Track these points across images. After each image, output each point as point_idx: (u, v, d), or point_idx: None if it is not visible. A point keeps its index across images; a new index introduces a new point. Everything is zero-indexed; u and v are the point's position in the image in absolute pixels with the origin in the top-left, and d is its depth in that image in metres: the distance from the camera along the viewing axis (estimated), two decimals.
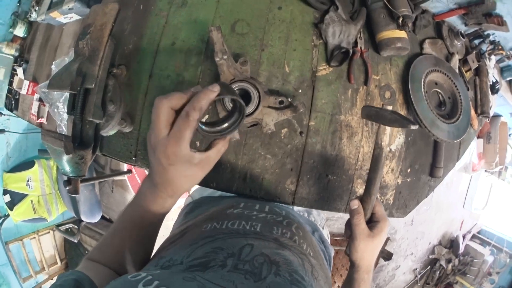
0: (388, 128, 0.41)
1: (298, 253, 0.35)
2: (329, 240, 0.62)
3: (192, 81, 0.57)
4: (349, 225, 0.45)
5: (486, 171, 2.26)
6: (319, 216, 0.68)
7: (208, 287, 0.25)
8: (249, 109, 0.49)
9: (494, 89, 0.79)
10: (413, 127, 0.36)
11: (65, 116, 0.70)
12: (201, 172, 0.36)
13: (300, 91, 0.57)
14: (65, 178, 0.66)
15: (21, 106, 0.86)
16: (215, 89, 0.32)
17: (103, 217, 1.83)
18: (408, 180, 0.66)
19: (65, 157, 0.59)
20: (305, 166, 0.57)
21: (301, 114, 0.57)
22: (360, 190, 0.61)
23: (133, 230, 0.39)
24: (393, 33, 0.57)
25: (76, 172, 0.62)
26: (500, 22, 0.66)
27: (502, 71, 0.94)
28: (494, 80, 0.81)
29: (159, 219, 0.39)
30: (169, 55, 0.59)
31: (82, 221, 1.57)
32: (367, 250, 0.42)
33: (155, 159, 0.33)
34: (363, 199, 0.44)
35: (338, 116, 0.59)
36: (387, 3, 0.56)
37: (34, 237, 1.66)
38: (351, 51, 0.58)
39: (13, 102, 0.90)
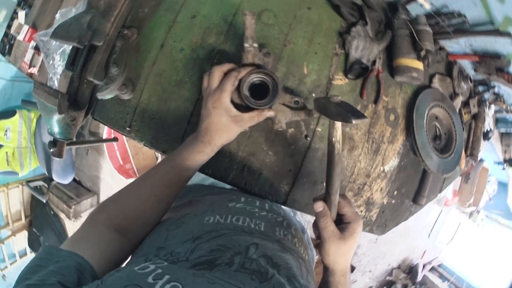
0: (338, 123, 0.37)
1: (297, 257, 0.35)
2: None
3: (206, 59, 0.54)
4: (315, 226, 0.42)
5: (457, 208, 2.39)
6: (302, 218, 0.69)
7: (219, 283, 0.24)
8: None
9: (486, 136, 0.84)
10: (355, 122, 0.33)
11: (60, 70, 0.64)
12: (234, 126, 0.43)
13: (313, 94, 0.57)
14: (51, 138, 0.60)
15: (15, 52, 0.79)
16: (250, 70, 0.45)
17: (73, 179, 1.74)
18: (393, 201, 0.68)
19: (56, 117, 0.54)
20: (304, 169, 0.57)
21: (310, 118, 0.57)
22: None
23: (164, 177, 0.42)
24: (412, 62, 0.59)
25: (65, 134, 0.57)
26: (510, 80, 0.68)
27: (497, 121, 1.00)
28: (489, 128, 0.86)
29: (193, 169, 0.43)
30: (187, 28, 0.56)
31: (53, 180, 1.48)
32: (339, 253, 0.38)
33: (205, 108, 0.43)
34: (325, 200, 0.41)
35: (343, 128, 0.60)
36: (414, 33, 0.58)
37: (3, 190, 1.56)
38: (370, 68, 0.59)
39: (7, 47, 0.82)
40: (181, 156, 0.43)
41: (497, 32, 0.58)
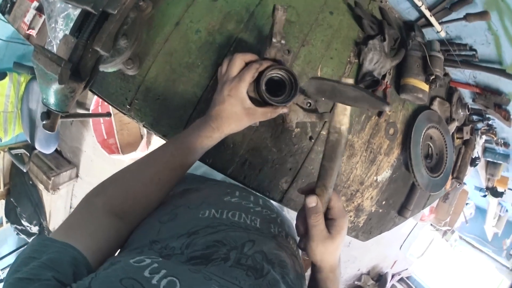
0: (348, 108, 0.33)
1: (291, 254, 0.36)
2: None
3: (223, 46, 0.53)
4: (301, 220, 0.37)
5: (432, 225, 2.47)
6: (288, 214, 0.71)
7: (215, 279, 0.24)
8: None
9: (474, 162, 0.90)
10: (387, 108, 0.29)
11: (61, 34, 0.59)
12: (246, 117, 0.43)
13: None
14: (44, 109, 0.56)
15: (15, 11, 0.72)
16: (271, 65, 0.43)
17: (55, 149, 1.66)
18: (380, 211, 0.72)
19: (55, 86, 0.50)
20: (303, 170, 0.58)
21: (317, 121, 0.57)
22: None
23: (169, 160, 0.40)
24: (420, 83, 0.61)
25: (61, 106, 0.53)
26: (506, 117, 0.72)
27: (485, 150, 1.06)
28: (477, 156, 0.91)
29: (199, 153, 0.43)
30: (206, 9, 0.54)
31: (35, 148, 1.40)
32: (327, 252, 0.35)
33: (219, 94, 0.43)
34: (318, 193, 0.35)
35: (347, 134, 0.61)
36: (428, 58, 0.59)
37: None
38: (380, 82, 0.60)
39: (8, 5, 0.76)
40: (188, 139, 0.42)
41: (503, 73, 0.61)
